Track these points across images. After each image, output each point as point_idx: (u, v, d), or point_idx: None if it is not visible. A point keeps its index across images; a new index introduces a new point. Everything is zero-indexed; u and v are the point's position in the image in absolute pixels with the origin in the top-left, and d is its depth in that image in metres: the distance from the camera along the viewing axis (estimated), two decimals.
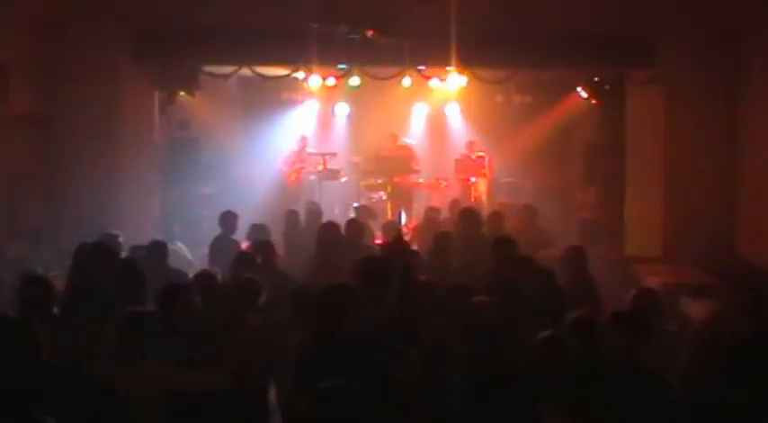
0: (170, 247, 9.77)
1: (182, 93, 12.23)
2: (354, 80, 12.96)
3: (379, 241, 9.97)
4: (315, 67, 12.12)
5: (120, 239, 8.33)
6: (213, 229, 9.53)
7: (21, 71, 10.40)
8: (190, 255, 10.21)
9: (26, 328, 4.33)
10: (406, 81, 13.13)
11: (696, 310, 6.92)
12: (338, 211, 13.87)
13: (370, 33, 11.49)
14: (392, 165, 14.07)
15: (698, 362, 4.67)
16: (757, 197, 10.62)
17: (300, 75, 12.51)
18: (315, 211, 10.54)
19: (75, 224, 10.28)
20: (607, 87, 12.55)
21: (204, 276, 6.55)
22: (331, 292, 5.13)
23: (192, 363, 4.85)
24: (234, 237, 9.35)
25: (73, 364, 4.51)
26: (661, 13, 11.20)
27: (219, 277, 6.72)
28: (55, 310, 5.57)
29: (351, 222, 9.25)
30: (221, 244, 8.93)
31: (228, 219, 9.39)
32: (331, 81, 12.92)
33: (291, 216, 10.35)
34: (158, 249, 7.63)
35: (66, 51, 11.04)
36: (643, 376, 3.93)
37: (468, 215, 8.93)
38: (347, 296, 5.06)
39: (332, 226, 8.57)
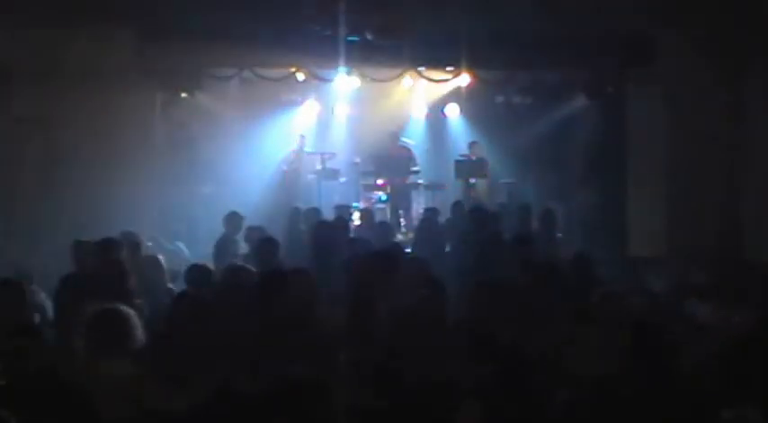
0: (169, 247, 9.83)
1: (183, 93, 12.23)
2: (354, 82, 13.00)
3: None
4: (315, 69, 12.13)
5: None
6: (212, 229, 9.52)
7: (24, 73, 10.38)
8: (189, 254, 10.18)
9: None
10: (407, 82, 13.19)
11: (702, 311, 6.88)
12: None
13: (369, 35, 11.49)
14: (391, 165, 14.04)
15: (708, 364, 4.64)
16: (761, 196, 10.61)
17: (301, 76, 12.54)
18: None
19: (75, 224, 10.23)
20: (607, 87, 12.52)
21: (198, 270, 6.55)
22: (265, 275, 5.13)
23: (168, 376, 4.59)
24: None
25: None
26: (661, 13, 11.19)
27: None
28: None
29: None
30: (225, 245, 8.93)
31: (233, 219, 9.44)
32: (331, 82, 12.96)
33: (294, 214, 10.35)
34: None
35: (69, 53, 11.01)
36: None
37: (477, 216, 8.94)
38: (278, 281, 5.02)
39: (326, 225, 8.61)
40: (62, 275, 6.47)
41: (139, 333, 4.64)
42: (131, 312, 4.73)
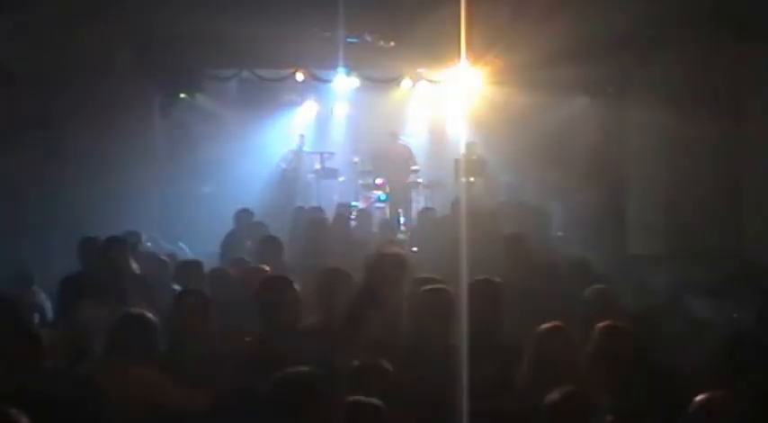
0: (169, 247, 9.85)
1: (183, 94, 12.27)
2: (353, 82, 13.01)
3: None
4: (314, 70, 12.16)
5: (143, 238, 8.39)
6: (212, 229, 9.56)
7: (24, 73, 10.39)
8: (191, 254, 10.19)
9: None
10: (406, 83, 13.20)
11: (701, 310, 6.90)
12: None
13: (368, 37, 11.50)
14: (391, 164, 14.05)
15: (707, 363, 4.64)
16: (761, 196, 10.60)
17: (300, 76, 12.56)
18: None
19: (75, 224, 10.24)
20: (607, 87, 12.51)
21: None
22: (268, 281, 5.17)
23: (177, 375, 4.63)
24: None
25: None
26: (662, 13, 11.18)
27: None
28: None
29: None
30: (233, 241, 8.98)
31: (243, 216, 9.70)
32: (330, 83, 12.99)
33: (297, 214, 10.39)
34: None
35: (69, 53, 11.01)
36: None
37: (478, 216, 8.95)
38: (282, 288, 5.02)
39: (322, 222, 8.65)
40: (62, 276, 6.46)
41: (159, 337, 4.73)
42: (152, 317, 4.77)
